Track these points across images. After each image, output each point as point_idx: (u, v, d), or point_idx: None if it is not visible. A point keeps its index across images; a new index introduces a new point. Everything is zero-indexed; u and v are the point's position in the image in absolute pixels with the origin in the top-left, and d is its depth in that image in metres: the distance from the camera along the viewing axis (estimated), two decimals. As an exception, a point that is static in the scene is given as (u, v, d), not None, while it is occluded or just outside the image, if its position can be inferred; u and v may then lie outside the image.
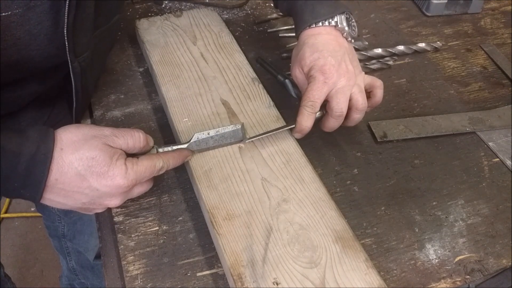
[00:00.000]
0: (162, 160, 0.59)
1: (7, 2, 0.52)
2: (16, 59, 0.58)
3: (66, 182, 0.53)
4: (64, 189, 0.54)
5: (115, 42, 0.89)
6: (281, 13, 0.99)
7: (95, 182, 0.54)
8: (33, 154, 0.51)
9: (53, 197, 0.55)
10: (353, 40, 0.72)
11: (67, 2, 0.56)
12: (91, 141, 0.54)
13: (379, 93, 0.70)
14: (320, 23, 0.68)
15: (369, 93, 0.71)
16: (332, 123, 0.67)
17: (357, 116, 0.68)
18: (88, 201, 0.56)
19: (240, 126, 0.65)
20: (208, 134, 0.64)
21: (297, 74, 0.69)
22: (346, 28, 0.69)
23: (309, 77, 0.66)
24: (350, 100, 0.66)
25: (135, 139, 0.58)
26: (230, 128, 0.65)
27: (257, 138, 0.65)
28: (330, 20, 0.68)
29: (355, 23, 0.72)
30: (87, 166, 0.53)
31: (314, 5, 0.69)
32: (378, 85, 0.70)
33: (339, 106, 0.65)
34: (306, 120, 0.65)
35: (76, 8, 0.57)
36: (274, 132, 0.66)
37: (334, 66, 0.65)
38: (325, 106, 0.67)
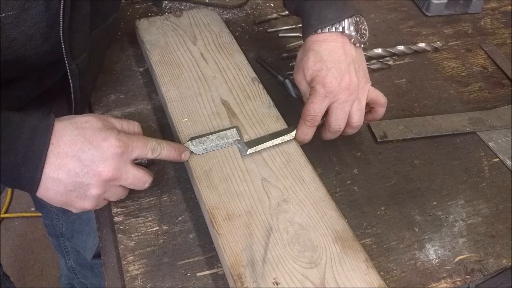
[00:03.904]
0: (155, 141, 0.59)
1: (0, 4, 0.52)
2: (12, 58, 0.58)
3: (61, 145, 0.54)
4: (59, 155, 0.54)
5: (114, 42, 0.90)
6: (281, 13, 0.99)
7: (89, 138, 0.55)
8: (36, 126, 0.54)
9: (49, 172, 0.54)
10: (362, 45, 0.69)
11: (62, 4, 0.55)
12: (86, 114, 0.59)
13: (380, 111, 0.69)
14: (326, 29, 0.66)
15: (370, 108, 0.70)
16: (329, 136, 0.67)
17: (349, 131, 0.67)
18: (81, 170, 0.54)
19: (235, 130, 0.66)
20: (205, 136, 0.65)
21: (300, 79, 0.68)
22: (354, 34, 0.66)
23: (310, 87, 0.65)
24: None
25: (129, 123, 0.61)
26: (224, 131, 0.66)
27: (258, 149, 0.64)
28: (337, 26, 0.65)
29: (365, 26, 0.69)
30: (81, 127, 0.56)
31: (321, 8, 0.66)
32: (381, 103, 0.69)
33: (337, 123, 0.64)
34: (306, 133, 0.65)
35: (71, 9, 0.57)
36: (274, 144, 0.65)
37: (336, 79, 0.63)
38: (324, 115, 0.66)
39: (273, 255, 0.53)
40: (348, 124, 0.66)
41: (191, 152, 0.64)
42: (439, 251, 0.62)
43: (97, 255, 1.13)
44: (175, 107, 0.71)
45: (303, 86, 0.68)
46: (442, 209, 0.67)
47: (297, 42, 0.93)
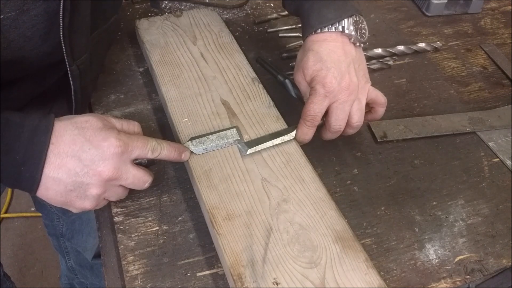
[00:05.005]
0: (155, 141, 0.59)
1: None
2: (11, 59, 0.58)
3: (61, 145, 0.54)
4: (59, 155, 0.54)
5: (114, 42, 0.89)
6: (281, 13, 0.99)
7: (89, 138, 0.55)
8: (36, 126, 0.54)
9: (49, 172, 0.54)
10: (362, 45, 0.69)
11: (61, 5, 0.55)
12: (86, 114, 0.59)
13: (380, 111, 0.69)
14: (326, 29, 0.66)
15: (370, 108, 0.69)
16: (329, 136, 0.67)
17: (349, 131, 0.67)
18: (81, 170, 0.54)
19: (235, 130, 0.66)
20: (205, 136, 0.65)
21: (300, 79, 0.68)
22: (354, 33, 0.66)
23: (310, 87, 0.65)
24: None
25: (129, 123, 0.61)
26: (224, 131, 0.66)
27: (258, 149, 0.64)
28: (337, 25, 0.65)
29: (365, 26, 0.69)
30: (81, 127, 0.56)
31: (320, 8, 0.66)
32: (381, 103, 0.69)
33: (337, 123, 0.64)
34: (306, 133, 0.65)
35: (71, 11, 0.56)
36: (274, 144, 0.65)
37: (336, 79, 0.63)
38: (324, 115, 0.66)
39: (273, 255, 0.53)
40: (348, 124, 0.66)
41: (191, 152, 0.64)
42: (439, 251, 0.62)
43: (97, 255, 1.13)
44: (175, 107, 0.71)
45: (303, 86, 0.68)
46: (442, 209, 0.67)
47: (297, 42, 0.93)
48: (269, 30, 0.97)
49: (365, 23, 0.69)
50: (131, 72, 0.85)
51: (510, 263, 0.61)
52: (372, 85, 0.68)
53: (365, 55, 0.89)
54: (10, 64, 0.58)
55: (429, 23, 1.02)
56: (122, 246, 0.60)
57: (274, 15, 0.99)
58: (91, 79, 0.74)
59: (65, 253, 1.23)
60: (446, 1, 1.02)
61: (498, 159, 0.75)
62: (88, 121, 0.56)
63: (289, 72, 0.80)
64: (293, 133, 0.66)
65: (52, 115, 0.56)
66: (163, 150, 0.60)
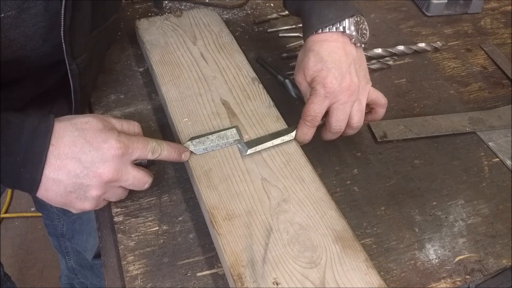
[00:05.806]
0: (156, 142, 0.59)
1: (0, 4, 0.52)
2: (12, 59, 0.57)
3: (61, 146, 0.54)
4: (59, 156, 0.54)
5: (114, 42, 0.90)
6: (281, 13, 0.99)
7: (90, 139, 0.55)
8: (36, 127, 0.54)
9: (49, 173, 0.54)
10: (363, 45, 0.69)
11: (63, 4, 0.55)
12: (86, 115, 0.58)
13: (380, 112, 0.69)
14: (327, 29, 0.66)
15: (370, 109, 0.69)
16: (329, 136, 0.67)
17: (349, 132, 0.67)
18: (81, 171, 0.54)
19: (235, 130, 0.66)
20: (205, 136, 0.65)
21: (300, 80, 0.68)
22: (355, 34, 0.66)
23: (311, 88, 0.65)
24: None
25: (129, 123, 0.61)
26: (224, 130, 0.66)
27: (258, 149, 0.64)
28: (338, 26, 0.65)
29: (366, 26, 0.69)
30: (81, 129, 0.55)
31: (321, 8, 0.66)
32: (382, 104, 0.69)
33: (338, 124, 0.64)
34: (305, 133, 0.65)
35: (72, 9, 0.56)
36: (274, 144, 0.65)
37: (337, 79, 0.63)
38: (325, 116, 0.66)
39: (273, 255, 0.53)
40: (348, 124, 0.66)
41: (191, 152, 0.64)
42: (439, 251, 0.62)
43: (98, 255, 1.13)
44: (175, 107, 0.71)
45: (304, 87, 0.68)
46: (442, 209, 0.67)
47: (297, 42, 0.93)
48: (269, 30, 0.97)
49: (366, 23, 0.69)
50: (131, 72, 0.85)
51: (510, 263, 0.61)
52: (372, 85, 0.68)
53: (365, 55, 0.89)
54: (11, 64, 0.58)
55: (429, 23, 1.02)
56: (122, 246, 0.60)
57: (274, 15, 0.99)
58: (91, 79, 0.74)
59: (65, 253, 1.23)
60: (446, 1, 1.02)
61: (498, 159, 0.75)
62: (88, 122, 0.56)
63: (289, 72, 0.80)
64: (293, 133, 0.66)
65: (52, 115, 0.56)
66: (163, 151, 0.60)
